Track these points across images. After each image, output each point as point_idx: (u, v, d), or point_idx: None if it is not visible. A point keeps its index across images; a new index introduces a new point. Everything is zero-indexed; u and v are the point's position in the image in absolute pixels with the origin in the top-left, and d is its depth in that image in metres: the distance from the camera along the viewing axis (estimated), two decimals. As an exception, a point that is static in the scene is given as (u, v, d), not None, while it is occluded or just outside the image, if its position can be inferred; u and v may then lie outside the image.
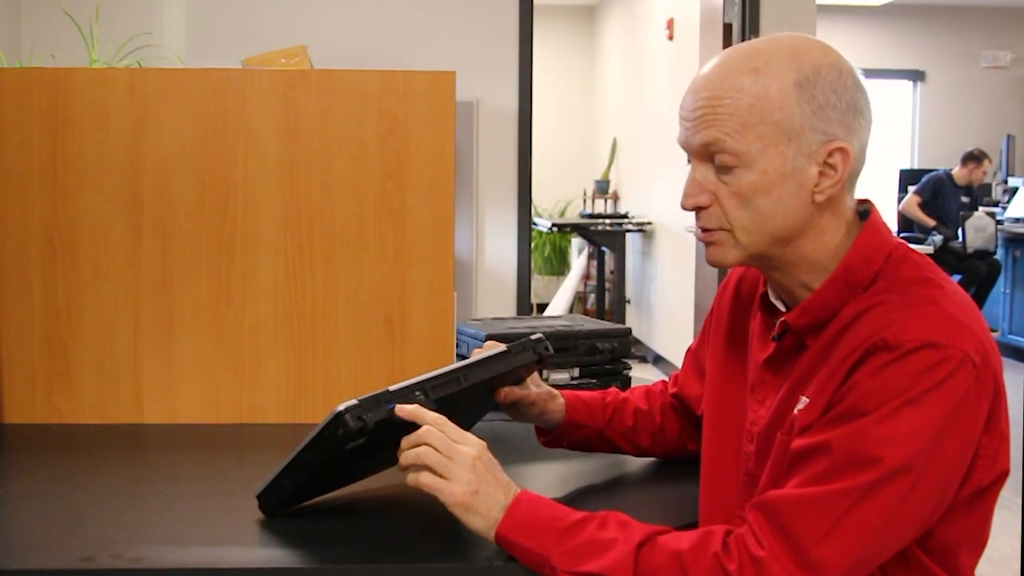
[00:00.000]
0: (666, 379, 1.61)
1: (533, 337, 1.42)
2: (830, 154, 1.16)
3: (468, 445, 1.19)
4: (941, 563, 1.16)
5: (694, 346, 1.53)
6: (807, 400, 1.16)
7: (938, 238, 7.63)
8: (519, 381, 1.45)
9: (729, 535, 1.10)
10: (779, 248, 1.20)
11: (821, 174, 1.16)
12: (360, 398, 1.18)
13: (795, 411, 1.18)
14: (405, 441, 1.19)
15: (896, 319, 1.11)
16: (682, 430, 1.56)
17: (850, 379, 1.11)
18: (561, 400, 1.50)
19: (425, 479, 1.18)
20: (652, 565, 1.09)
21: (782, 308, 1.26)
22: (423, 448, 1.18)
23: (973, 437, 1.11)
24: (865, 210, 1.24)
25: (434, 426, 1.19)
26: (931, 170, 8.22)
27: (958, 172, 7.91)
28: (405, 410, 1.20)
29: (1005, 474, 1.19)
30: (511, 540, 1.15)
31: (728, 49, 1.22)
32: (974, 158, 7.88)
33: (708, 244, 1.22)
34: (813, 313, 1.19)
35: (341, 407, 1.17)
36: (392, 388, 1.21)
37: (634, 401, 1.56)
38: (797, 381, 1.20)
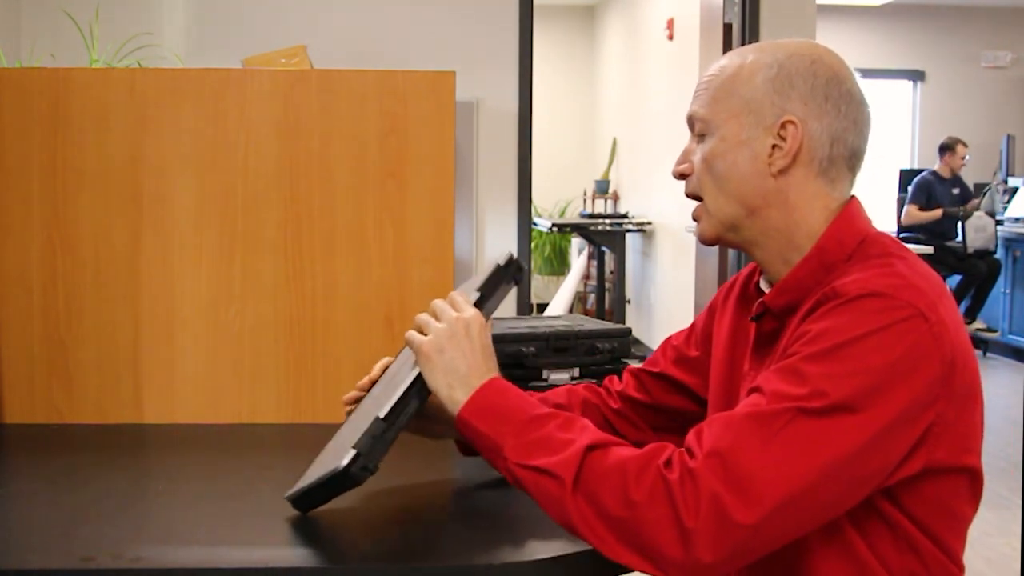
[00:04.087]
0: (593, 381, 1.58)
1: (502, 262, 1.30)
2: (782, 126, 1.23)
3: (462, 311, 1.24)
4: (925, 533, 1.16)
5: (676, 340, 1.51)
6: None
7: (957, 212, 7.63)
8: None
9: (674, 454, 1.09)
10: (746, 218, 1.26)
11: (774, 147, 1.24)
12: (357, 445, 1.17)
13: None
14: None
15: (847, 279, 1.15)
16: (604, 423, 1.49)
17: (799, 330, 1.14)
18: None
19: (408, 333, 1.23)
20: (597, 469, 1.09)
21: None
22: (423, 313, 1.25)
23: (927, 391, 1.10)
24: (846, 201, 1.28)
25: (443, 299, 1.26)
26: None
27: (940, 167, 7.96)
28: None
29: (975, 473, 1.18)
30: (471, 423, 1.16)
31: None
32: (946, 148, 7.93)
33: (694, 220, 1.32)
34: (788, 294, 1.23)
35: (343, 462, 1.16)
36: (381, 415, 1.19)
37: (553, 399, 1.49)
38: (772, 361, 1.22)
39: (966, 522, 1.22)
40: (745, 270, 1.42)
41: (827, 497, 1.08)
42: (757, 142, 1.24)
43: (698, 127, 1.29)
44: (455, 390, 1.18)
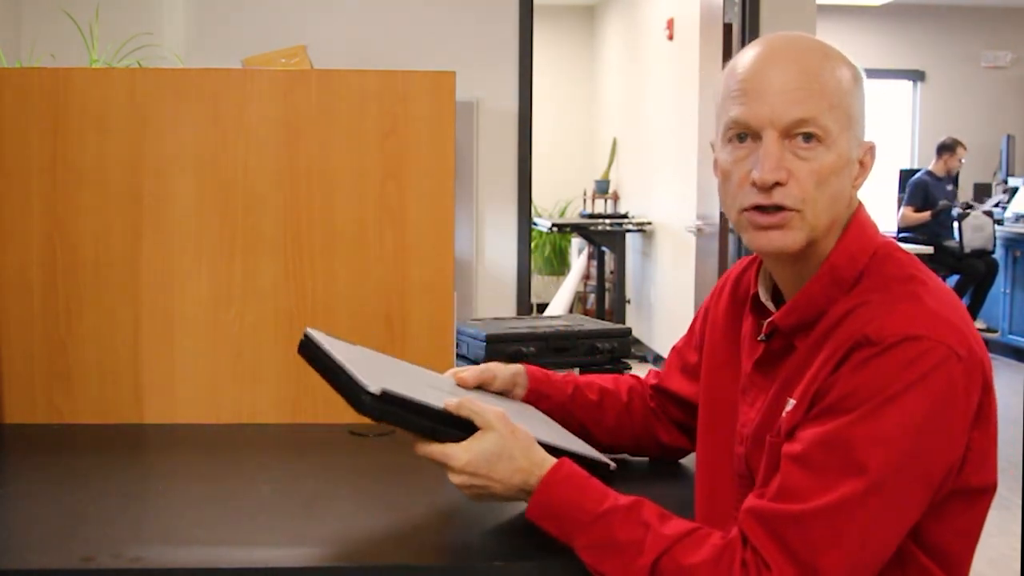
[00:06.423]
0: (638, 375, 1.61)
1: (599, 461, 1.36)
2: (866, 151, 1.20)
3: (451, 465, 1.19)
4: (936, 561, 1.16)
5: (679, 345, 1.52)
6: (794, 402, 1.16)
7: (948, 210, 7.63)
8: None
9: (745, 553, 1.09)
10: (824, 236, 1.19)
11: (860, 166, 1.21)
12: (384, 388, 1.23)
13: (783, 414, 1.17)
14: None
15: (877, 316, 1.11)
16: (648, 414, 1.53)
17: (832, 377, 1.11)
18: (523, 374, 1.48)
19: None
20: None
21: (772, 309, 1.26)
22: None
23: (963, 428, 1.11)
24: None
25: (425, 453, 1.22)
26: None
27: (935, 165, 7.93)
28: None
29: (993, 486, 1.19)
30: (539, 524, 1.18)
31: (773, 36, 1.21)
32: (947, 148, 7.90)
33: (771, 228, 1.17)
34: (799, 312, 1.20)
35: (371, 389, 1.21)
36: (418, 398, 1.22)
37: (599, 381, 1.54)
38: (785, 383, 1.20)
39: (975, 540, 1.21)
40: (734, 269, 1.39)
41: (887, 550, 1.11)
42: (854, 163, 1.19)
43: (815, 133, 1.15)
44: (519, 501, 1.21)
